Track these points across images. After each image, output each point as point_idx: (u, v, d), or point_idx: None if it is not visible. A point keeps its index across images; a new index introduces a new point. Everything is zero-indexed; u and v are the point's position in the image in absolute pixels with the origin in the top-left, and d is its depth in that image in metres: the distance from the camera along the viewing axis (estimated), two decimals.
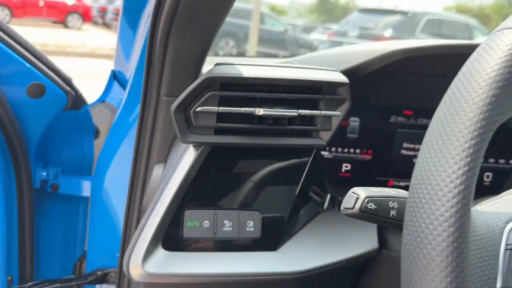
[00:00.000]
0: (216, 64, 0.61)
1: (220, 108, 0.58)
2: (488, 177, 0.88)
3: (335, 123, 0.68)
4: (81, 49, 8.56)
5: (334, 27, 10.01)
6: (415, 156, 0.84)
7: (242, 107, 0.61)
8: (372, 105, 0.82)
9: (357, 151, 0.83)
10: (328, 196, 0.75)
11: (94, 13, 13.80)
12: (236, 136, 0.61)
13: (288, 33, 11.18)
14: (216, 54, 9.94)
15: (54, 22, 12.19)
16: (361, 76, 0.76)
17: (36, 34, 8.64)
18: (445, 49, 0.78)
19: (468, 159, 0.31)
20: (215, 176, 0.64)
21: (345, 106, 0.69)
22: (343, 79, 0.65)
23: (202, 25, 0.64)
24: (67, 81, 0.80)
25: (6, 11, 11.51)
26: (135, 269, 0.56)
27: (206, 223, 0.61)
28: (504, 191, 0.83)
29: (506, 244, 0.34)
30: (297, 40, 11.06)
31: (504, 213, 0.37)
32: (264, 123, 0.63)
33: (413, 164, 0.83)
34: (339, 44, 7.63)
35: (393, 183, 0.86)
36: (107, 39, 10.25)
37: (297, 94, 0.63)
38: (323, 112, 0.64)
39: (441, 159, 0.32)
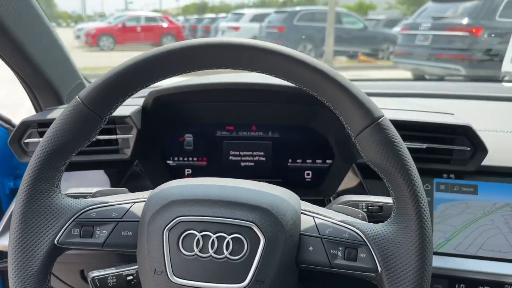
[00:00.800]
0: (46, 109, 0.95)
1: (40, 139, 0.91)
2: (308, 174, 1.07)
3: (131, 143, 0.96)
4: None
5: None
6: (242, 161, 1.07)
7: None
8: (201, 124, 1.07)
9: (194, 159, 1.09)
10: None
11: (186, 32, 14.99)
12: None
13: (368, 29, 11.06)
14: None
15: (152, 45, 13.50)
16: (186, 104, 1.03)
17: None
18: (247, 85, 1.00)
19: (32, 173, 0.59)
20: None
21: (134, 131, 0.96)
22: (125, 113, 0.93)
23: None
24: (6, 121, 1.19)
25: (110, 39, 13.05)
26: None
27: None
28: (326, 185, 1.04)
29: (75, 218, 0.61)
30: (377, 36, 10.87)
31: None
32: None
33: (240, 167, 1.08)
34: (412, 37, 7.41)
35: None
36: None
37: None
38: (118, 136, 0.93)
39: None
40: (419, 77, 7.18)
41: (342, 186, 1.05)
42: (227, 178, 0.64)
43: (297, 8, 11.00)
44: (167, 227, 0.57)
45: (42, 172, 0.58)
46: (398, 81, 2.18)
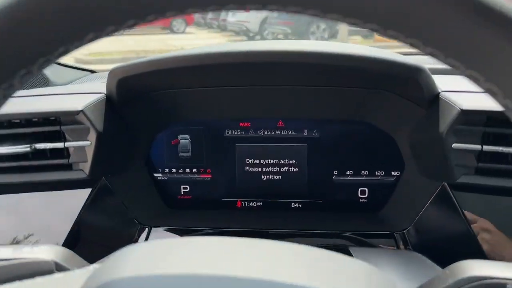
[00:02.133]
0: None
1: None
2: (363, 193, 0.73)
3: (90, 153, 0.62)
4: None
5: None
6: (263, 173, 0.73)
7: None
8: (202, 119, 0.73)
9: (194, 170, 0.75)
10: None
11: (196, 15, 14.70)
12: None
13: None
14: (308, 39, 9.82)
15: (162, 28, 13.18)
16: (176, 90, 0.68)
17: (145, 42, 9.42)
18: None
19: None
20: None
21: (93, 135, 0.62)
22: (75, 107, 0.59)
23: None
24: None
25: None
26: None
27: None
28: (387, 210, 0.68)
29: None
30: None
31: None
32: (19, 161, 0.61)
33: (260, 182, 0.73)
34: None
35: (242, 203, 0.76)
36: (206, 40, 10.77)
37: (33, 127, 0.59)
38: (68, 143, 0.59)
39: None
40: None
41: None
42: (243, 238, 0.30)
43: None
44: None
45: None
46: None
